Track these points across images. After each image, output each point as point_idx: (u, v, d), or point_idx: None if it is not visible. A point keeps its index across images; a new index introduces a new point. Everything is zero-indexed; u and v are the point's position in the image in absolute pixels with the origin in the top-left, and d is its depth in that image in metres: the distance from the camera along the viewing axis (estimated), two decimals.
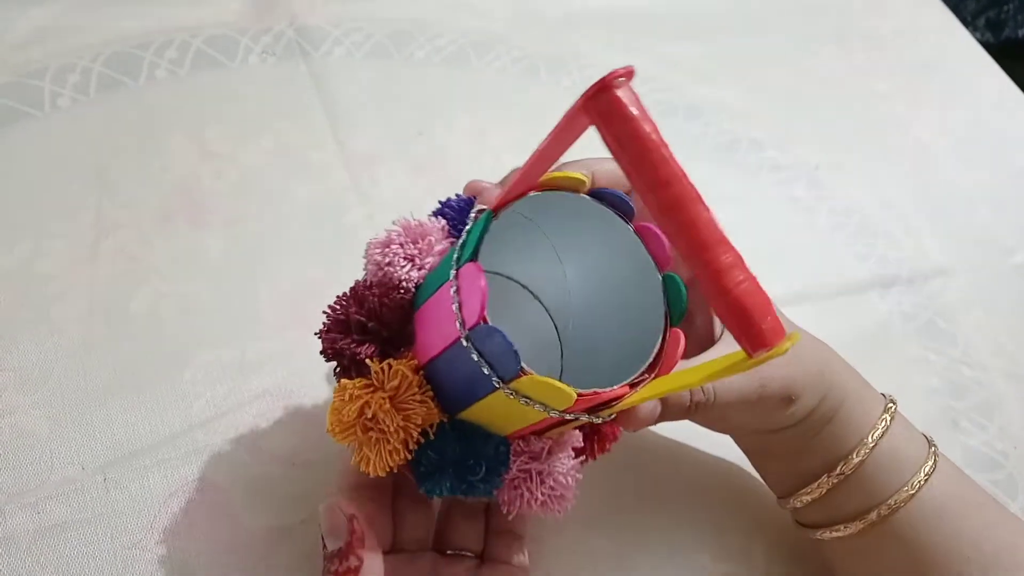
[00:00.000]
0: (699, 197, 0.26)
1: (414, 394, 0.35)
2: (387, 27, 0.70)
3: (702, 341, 0.41)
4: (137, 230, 0.55)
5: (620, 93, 0.25)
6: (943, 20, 0.88)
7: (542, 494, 0.37)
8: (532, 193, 0.33)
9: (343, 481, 0.41)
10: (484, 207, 0.35)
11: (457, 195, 0.40)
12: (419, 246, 0.38)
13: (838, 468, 0.42)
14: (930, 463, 0.42)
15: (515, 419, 0.35)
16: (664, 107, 0.73)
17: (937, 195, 0.73)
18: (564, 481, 0.38)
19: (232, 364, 0.51)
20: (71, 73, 0.61)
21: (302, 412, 0.50)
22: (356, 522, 0.38)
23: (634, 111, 0.25)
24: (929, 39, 0.85)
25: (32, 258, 0.52)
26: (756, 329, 0.26)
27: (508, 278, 0.41)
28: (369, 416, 0.35)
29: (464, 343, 0.31)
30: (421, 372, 0.36)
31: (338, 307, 0.38)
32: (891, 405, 0.43)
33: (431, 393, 0.36)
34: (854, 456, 0.41)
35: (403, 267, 0.37)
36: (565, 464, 0.38)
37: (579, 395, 0.30)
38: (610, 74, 0.25)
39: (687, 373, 0.31)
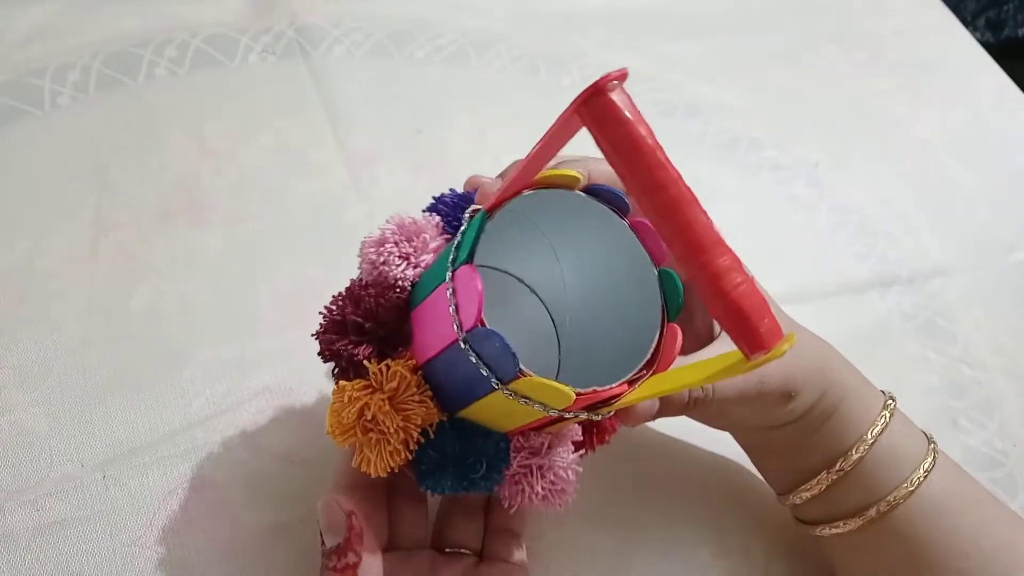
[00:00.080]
0: (695, 199, 0.25)
1: (413, 394, 0.35)
2: (387, 26, 0.70)
3: (701, 338, 0.41)
4: (137, 228, 0.55)
5: (614, 96, 0.25)
6: (943, 20, 0.88)
7: (543, 488, 0.37)
8: (527, 192, 0.33)
9: (339, 479, 0.41)
10: (479, 207, 0.35)
11: (451, 190, 0.40)
12: (414, 244, 0.38)
13: (837, 465, 0.42)
14: (929, 460, 0.42)
15: (515, 417, 0.35)
16: (664, 106, 0.73)
17: (937, 194, 0.73)
18: (564, 475, 0.38)
19: (232, 362, 0.51)
20: (71, 71, 0.61)
21: (301, 410, 0.50)
22: (355, 518, 0.38)
23: (628, 114, 0.25)
24: (929, 39, 0.85)
25: (32, 256, 0.52)
26: (754, 332, 0.26)
27: (505, 272, 0.41)
28: (369, 417, 0.35)
29: (462, 345, 0.31)
30: (419, 372, 0.36)
31: (334, 307, 0.38)
32: (891, 402, 0.43)
33: (430, 393, 0.36)
34: (853, 453, 0.41)
35: (398, 266, 0.37)
36: (565, 458, 0.38)
37: (578, 394, 0.30)
38: (603, 78, 0.24)
39: (686, 373, 0.30)
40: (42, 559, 0.43)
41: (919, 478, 0.41)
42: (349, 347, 0.36)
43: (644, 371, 0.32)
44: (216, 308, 0.53)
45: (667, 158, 0.25)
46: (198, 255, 0.55)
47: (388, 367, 0.35)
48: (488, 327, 0.30)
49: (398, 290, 0.37)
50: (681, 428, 0.52)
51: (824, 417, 0.42)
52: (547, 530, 0.48)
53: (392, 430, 0.35)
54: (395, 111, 0.66)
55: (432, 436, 0.36)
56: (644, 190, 0.26)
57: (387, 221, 0.38)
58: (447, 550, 0.43)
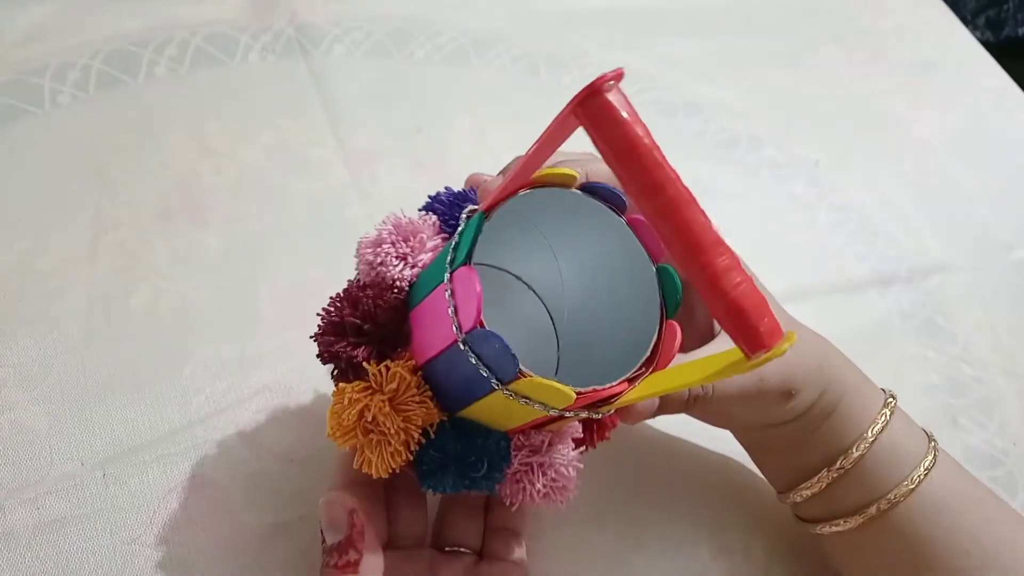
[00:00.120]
0: (693, 200, 0.25)
1: (413, 395, 0.35)
2: (387, 25, 0.70)
3: (702, 334, 0.41)
4: (137, 227, 0.55)
5: (610, 96, 0.25)
6: (943, 19, 0.88)
7: (544, 486, 0.37)
8: (523, 191, 0.33)
9: (337, 477, 0.40)
10: (475, 207, 0.35)
11: (447, 188, 0.40)
12: (411, 244, 0.37)
13: (838, 463, 0.42)
14: (930, 458, 0.42)
15: (515, 416, 0.35)
16: (664, 105, 0.73)
17: (937, 193, 0.73)
18: (565, 472, 0.38)
19: (232, 360, 0.51)
20: (71, 70, 0.61)
21: (301, 409, 0.50)
22: (356, 516, 0.38)
23: (624, 114, 0.25)
24: (929, 38, 0.85)
25: (32, 255, 0.52)
26: (754, 331, 0.26)
27: (502, 270, 0.41)
28: (369, 419, 0.35)
29: (461, 347, 0.31)
30: (419, 373, 0.36)
31: (332, 309, 0.38)
32: (891, 400, 0.43)
33: (430, 393, 0.36)
34: (854, 450, 0.41)
35: (396, 266, 0.37)
36: (565, 455, 0.38)
37: (578, 394, 0.30)
38: (599, 78, 0.24)
39: (686, 372, 0.30)
40: (42, 557, 0.43)
41: (919, 476, 0.41)
42: (348, 349, 0.36)
43: (644, 369, 0.32)
44: (216, 307, 0.53)
45: (664, 158, 0.25)
46: (198, 254, 0.55)
47: (388, 368, 0.35)
48: (487, 328, 0.30)
49: (396, 291, 0.37)
50: (681, 426, 0.52)
51: (824, 415, 0.42)
52: (547, 528, 0.48)
53: (393, 431, 0.35)
54: (395, 110, 0.66)
55: (433, 436, 0.36)
56: (642, 191, 0.26)
57: (383, 221, 0.38)
58: (447, 549, 0.43)
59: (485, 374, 0.31)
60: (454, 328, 0.31)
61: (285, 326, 0.53)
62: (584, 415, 0.33)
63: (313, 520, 0.45)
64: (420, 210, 0.40)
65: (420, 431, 0.36)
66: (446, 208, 0.39)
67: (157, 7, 0.66)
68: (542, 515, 0.48)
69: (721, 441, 0.49)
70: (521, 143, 0.30)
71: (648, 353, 0.33)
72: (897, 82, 0.81)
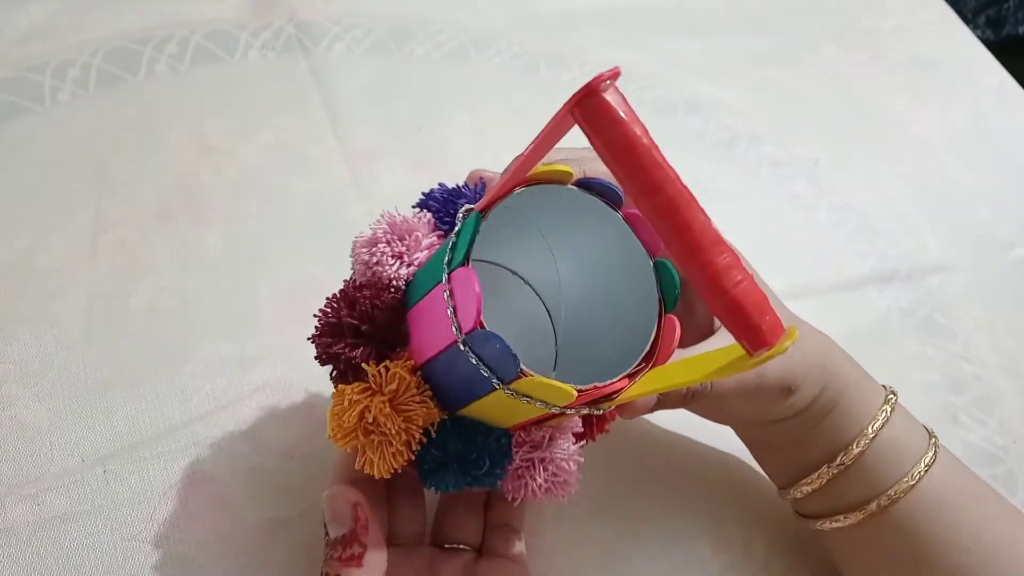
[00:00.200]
0: (692, 198, 0.25)
1: (413, 395, 0.35)
2: (387, 23, 0.70)
3: (702, 330, 0.41)
4: (137, 226, 0.55)
5: (607, 96, 0.25)
6: (943, 17, 0.88)
7: (545, 481, 0.37)
8: (519, 189, 0.33)
9: (338, 474, 0.40)
10: (472, 206, 0.34)
11: (441, 185, 0.40)
12: (406, 242, 0.37)
13: (838, 459, 0.42)
14: (930, 454, 0.42)
15: (516, 414, 0.35)
16: (664, 104, 0.73)
17: (937, 193, 0.73)
18: (566, 466, 0.38)
19: (232, 358, 0.51)
20: (71, 68, 0.61)
21: (301, 406, 0.50)
22: (360, 509, 0.38)
23: (622, 114, 0.25)
24: (929, 36, 0.85)
25: (32, 253, 0.52)
26: (755, 329, 0.26)
27: (499, 266, 0.41)
28: (370, 420, 0.35)
29: (461, 347, 0.31)
30: (418, 372, 0.36)
31: (329, 310, 0.37)
32: (891, 396, 0.43)
33: (430, 392, 0.35)
34: (854, 447, 0.41)
35: (392, 265, 0.37)
36: (566, 450, 0.38)
37: (579, 391, 0.30)
38: (595, 78, 0.24)
39: (688, 369, 0.30)
40: (42, 553, 0.43)
41: (920, 472, 0.41)
42: (346, 350, 0.36)
43: (643, 364, 0.32)
44: (216, 306, 0.53)
45: (663, 157, 0.25)
46: (198, 253, 0.55)
47: (387, 369, 0.35)
48: (488, 329, 0.30)
49: (393, 290, 0.37)
50: (682, 423, 0.52)
51: (825, 411, 0.42)
52: (548, 524, 0.48)
53: (394, 432, 0.35)
54: (395, 108, 0.66)
55: (434, 435, 0.36)
56: (641, 191, 0.25)
57: (378, 220, 0.38)
58: (446, 546, 0.43)
59: (486, 374, 0.31)
60: (454, 329, 0.31)
61: (285, 325, 0.53)
62: (585, 411, 0.33)
63: (314, 516, 0.45)
64: (414, 207, 0.40)
65: (421, 431, 0.36)
66: (440, 205, 0.39)
67: (157, 5, 0.66)
68: (543, 511, 0.48)
69: (721, 437, 0.49)
70: (521, 141, 0.30)
71: (647, 348, 0.33)
72: (897, 81, 0.81)
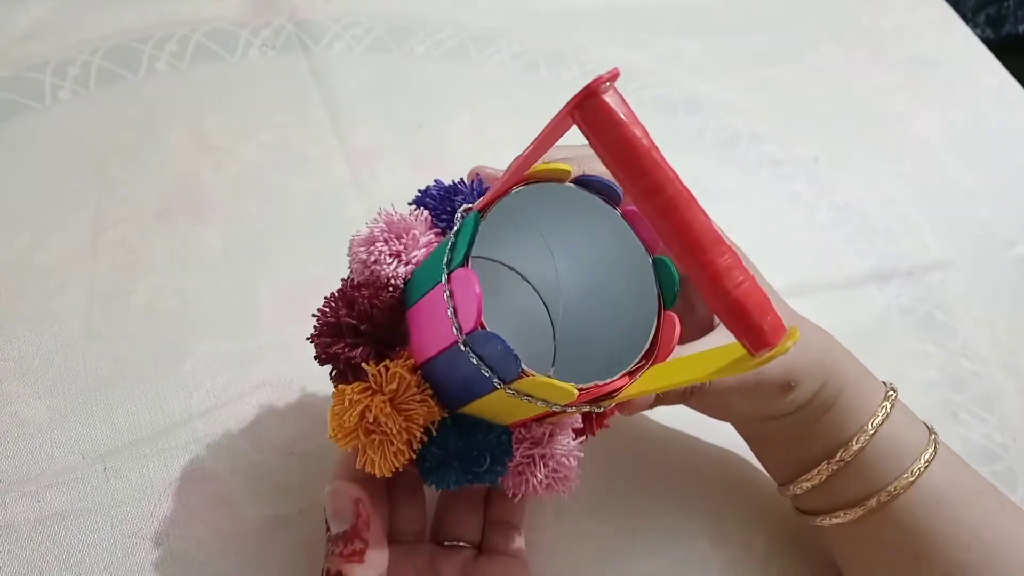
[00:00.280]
0: (693, 199, 0.25)
1: (413, 394, 0.35)
2: (387, 22, 0.70)
3: (702, 328, 0.41)
4: (137, 225, 0.55)
5: (607, 98, 0.25)
6: (943, 16, 0.88)
7: (546, 477, 0.38)
8: (517, 187, 0.33)
9: (339, 471, 0.41)
10: (470, 206, 0.34)
11: (437, 182, 0.40)
12: (404, 241, 0.37)
13: (838, 455, 0.42)
14: (930, 450, 0.42)
15: (517, 412, 0.35)
16: (664, 102, 0.73)
17: (937, 191, 0.73)
18: (566, 462, 0.38)
19: (232, 355, 0.51)
20: (71, 66, 0.61)
21: (301, 403, 0.50)
22: (362, 506, 0.38)
23: (622, 116, 0.25)
24: (929, 35, 0.85)
25: (32, 251, 0.52)
26: (757, 330, 0.26)
27: (498, 262, 0.41)
28: (371, 420, 0.35)
29: (462, 348, 0.31)
30: (418, 372, 0.36)
31: (328, 310, 0.37)
32: (891, 393, 0.43)
33: (430, 391, 0.35)
34: (854, 443, 0.41)
35: (390, 264, 0.37)
36: (566, 446, 0.38)
37: (579, 390, 0.30)
38: (595, 80, 0.24)
39: (689, 368, 0.30)
40: (43, 550, 0.43)
41: (920, 468, 0.41)
42: (346, 350, 0.36)
43: (643, 361, 0.32)
44: (216, 305, 0.53)
45: (663, 158, 0.25)
46: (198, 252, 0.55)
47: (387, 368, 0.35)
48: (488, 330, 0.29)
49: (391, 289, 0.37)
50: (682, 420, 0.52)
51: (825, 407, 0.42)
52: (547, 521, 0.48)
53: (395, 431, 0.35)
54: (395, 107, 0.66)
55: (434, 433, 0.36)
56: (641, 191, 0.25)
57: (375, 218, 0.38)
58: (446, 543, 0.43)
59: (487, 374, 0.31)
60: (454, 329, 0.31)
61: (286, 322, 0.53)
62: (585, 409, 0.33)
63: (314, 514, 0.45)
64: (411, 204, 0.40)
65: (422, 430, 0.36)
66: (437, 202, 0.39)
67: (158, 4, 0.66)
68: (542, 508, 0.48)
69: (722, 435, 0.49)
70: (521, 139, 0.30)
71: (647, 345, 0.33)
72: (897, 80, 0.81)
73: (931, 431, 0.43)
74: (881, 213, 0.70)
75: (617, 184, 0.34)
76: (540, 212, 0.36)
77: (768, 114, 0.75)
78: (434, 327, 0.33)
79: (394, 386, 0.35)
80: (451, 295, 0.31)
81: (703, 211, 0.25)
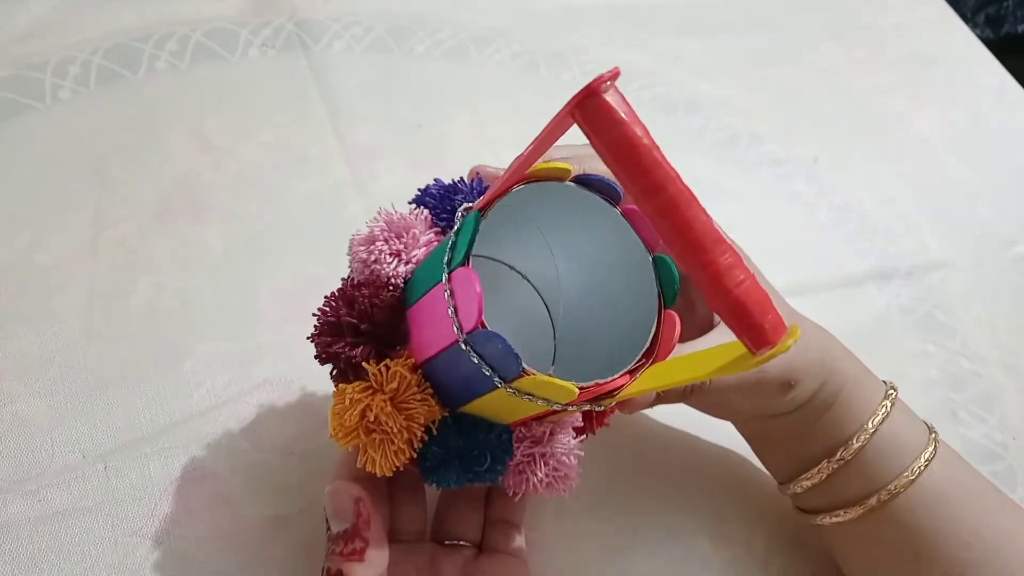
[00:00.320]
0: (694, 198, 0.25)
1: (414, 393, 0.35)
2: (387, 21, 0.70)
3: (703, 324, 0.41)
4: (137, 224, 0.55)
5: (608, 97, 0.25)
6: (943, 16, 0.88)
7: (546, 475, 0.37)
8: (518, 186, 0.33)
9: (340, 470, 0.41)
10: (471, 205, 0.34)
11: (436, 180, 0.40)
12: (404, 240, 0.37)
13: (838, 453, 0.42)
14: (930, 449, 0.42)
15: (517, 411, 0.35)
16: (664, 102, 0.73)
17: (937, 191, 0.73)
18: (567, 461, 0.38)
19: (232, 355, 0.51)
20: (72, 65, 0.61)
21: (302, 403, 0.50)
22: (362, 505, 0.38)
23: (622, 115, 0.25)
24: (929, 35, 0.85)
25: (32, 250, 0.52)
26: (758, 328, 0.26)
27: (497, 261, 0.41)
28: (371, 419, 0.35)
29: (463, 347, 0.31)
30: (418, 371, 0.36)
31: (328, 309, 0.37)
32: (891, 391, 0.43)
33: (430, 390, 0.35)
34: (854, 441, 0.41)
35: (390, 263, 0.37)
36: (566, 444, 0.38)
37: (580, 388, 0.30)
38: (596, 79, 0.24)
39: (690, 367, 0.30)
40: (43, 549, 0.43)
41: (919, 467, 0.41)
42: (347, 349, 0.36)
43: (644, 360, 0.32)
44: (217, 302, 0.53)
45: (664, 157, 0.25)
46: (198, 251, 0.55)
47: (388, 368, 0.35)
48: (489, 329, 0.29)
49: (391, 288, 0.37)
50: (682, 417, 0.52)
51: (825, 406, 0.42)
52: (548, 519, 0.48)
53: (396, 430, 0.35)
54: (395, 106, 0.66)
55: (435, 432, 0.36)
56: (642, 191, 0.25)
57: (375, 217, 0.38)
58: (446, 542, 0.43)
59: (487, 373, 0.31)
60: (455, 329, 0.31)
61: (286, 321, 0.53)
62: (586, 408, 0.33)
63: (314, 513, 0.45)
64: (411, 203, 0.40)
65: (423, 429, 0.36)
66: (437, 201, 0.39)
67: (158, 3, 0.66)
68: (542, 507, 0.48)
69: (722, 434, 0.49)
70: (521, 138, 0.30)
71: (647, 344, 0.33)
72: (897, 79, 0.81)
73: (931, 430, 0.43)
74: (881, 213, 0.70)
75: (617, 183, 0.34)
76: (540, 211, 0.36)
77: (768, 114, 0.75)
78: (435, 326, 0.33)
79: (395, 385, 0.35)
80: (452, 294, 0.31)
81: (704, 210, 0.25)
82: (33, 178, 0.56)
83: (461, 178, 0.40)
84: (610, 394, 0.32)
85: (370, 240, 0.38)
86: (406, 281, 0.37)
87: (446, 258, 0.32)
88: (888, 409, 0.42)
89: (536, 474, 0.37)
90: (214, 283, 0.54)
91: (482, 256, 0.40)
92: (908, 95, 0.79)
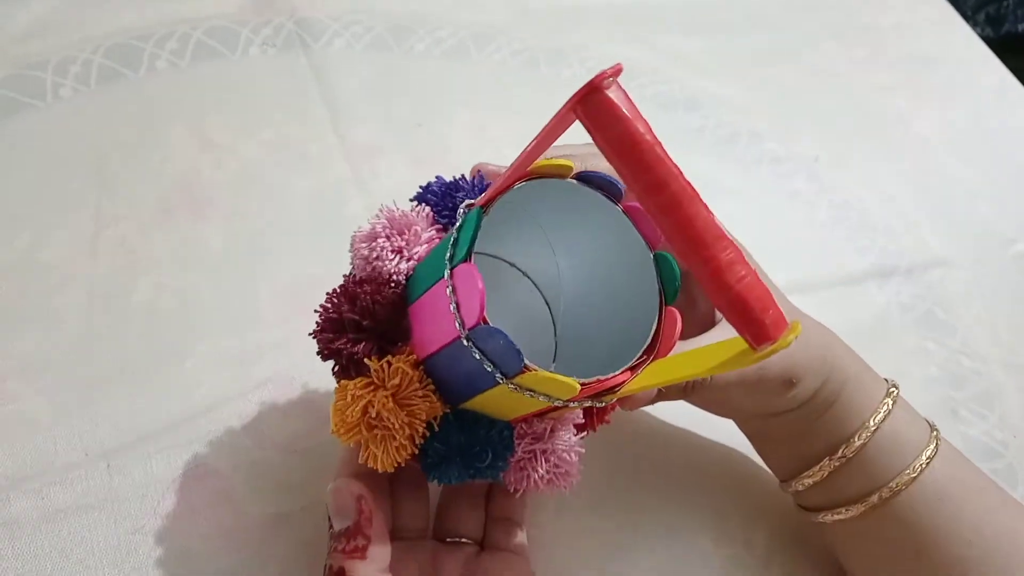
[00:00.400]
0: (696, 195, 0.25)
1: (416, 390, 0.35)
2: (387, 20, 0.70)
3: (704, 323, 0.41)
4: (137, 222, 0.55)
5: (610, 93, 0.25)
6: (943, 14, 0.88)
7: (547, 472, 0.38)
8: (519, 183, 0.33)
9: (342, 468, 0.41)
10: (472, 201, 0.34)
11: (438, 178, 0.40)
12: (406, 237, 0.37)
13: (840, 451, 0.42)
14: (931, 447, 0.42)
15: (519, 407, 0.35)
16: (664, 100, 0.73)
17: (937, 190, 0.73)
18: (567, 457, 0.38)
19: (234, 353, 0.51)
20: (72, 64, 0.61)
21: (303, 400, 0.50)
22: (364, 502, 0.38)
23: (625, 111, 0.25)
24: (929, 34, 0.86)
25: (33, 249, 0.52)
26: (759, 324, 0.26)
27: (498, 258, 0.41)
28: (373, 415, 0.35)
29: (465, 343, 0.31)
30: (420, 367, 0.36)
31: (330, 306, 0.37)
32: (893, 389, 0.43)
33: (432, 387, 0.36)
34: (856, 439, 0.41)
35: (392, 260, 0.37)
36: (567, 441, 0.38)
37: (582, 384, 0.30)
38: (598, 75, 0.24)
39: (691, 362, 0.30)
40: (46, 547, 0.43)
41: (921, 465, 0.41)
42: (348, 346, 0.36)
43: (645, 357, 0.32)
44: (218, 300, 0.53)
45: (666, 153, 0.25)
46: (198, 249, 0.55)
47: (389, 364, 0.35)
48: (491, 325, 0.30)
49: (393, 285, 0.37)
50: (683, 415, 0.52)
51: (826, 404, 0.42)
52: (549, 517, 0.48)
53: (397, 426, 0.35)
54: (395, 105, 0.66)
55: (436, 429, 0.36)
56: (644, 187, 0.26)
57: (376, 214, 0.38)
58: (448, 540, 0.44)
59: (489, 369, 0.31)
60: (457, 325, 0.31)
61: (287, 319, 0.53)
62: (587, 404, 0.33)
63: (315, 511, 0.45)
64: (412, 200, 0.40)
65: (424, 425, 0.36)
66: (438, 198, 0.39)
67: (158, 2, 0.66)
68: (544, 504, 0.48)
69: (723, 431, 0.49)
70: (521, 137, 0.30)
71: (648, 341, 0.33)
72: (897, 78, 0.81)
73: (932, 427, 0.44)
74: (881, 211, 0.70)
75: (619, 180, 0.34)
76: (542, 208, 0.37)
77: (768, 112, 0.75)
78: (436, 322, 0.33)
79: (396, 381, 0.35)
80: (454, 290, 0.31)
81: (706, 206, 0.25)
82: (33, 177, 0.56)
83: (463, 175, 0.40)
84: (611, 390, 0.32)
85: (372, 237, 0.38)
86: (408, 278, 0.37)
87: (448, 255, 0.32)
88: (890, 407, 0.42)
89: (537, 470, 0.37)
90: (215, 281, 0.54)
91: (484, 253, 0.40)
92: (908, 94, 0.79)
